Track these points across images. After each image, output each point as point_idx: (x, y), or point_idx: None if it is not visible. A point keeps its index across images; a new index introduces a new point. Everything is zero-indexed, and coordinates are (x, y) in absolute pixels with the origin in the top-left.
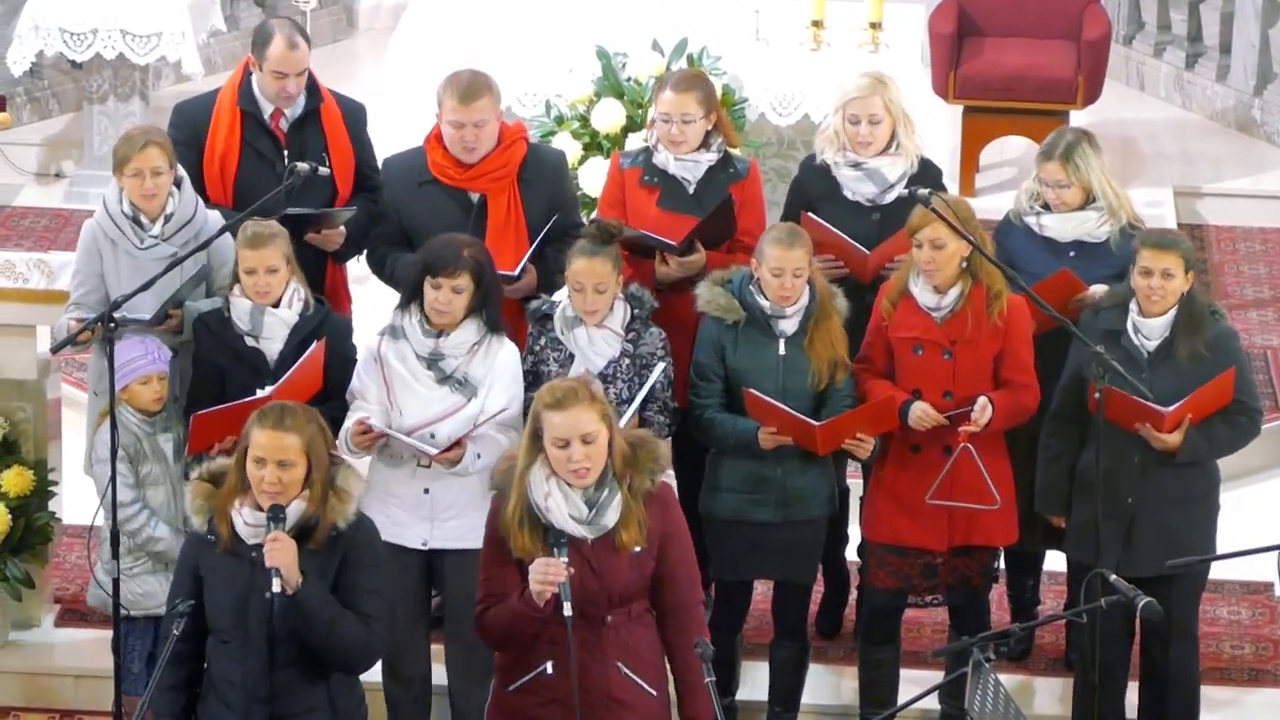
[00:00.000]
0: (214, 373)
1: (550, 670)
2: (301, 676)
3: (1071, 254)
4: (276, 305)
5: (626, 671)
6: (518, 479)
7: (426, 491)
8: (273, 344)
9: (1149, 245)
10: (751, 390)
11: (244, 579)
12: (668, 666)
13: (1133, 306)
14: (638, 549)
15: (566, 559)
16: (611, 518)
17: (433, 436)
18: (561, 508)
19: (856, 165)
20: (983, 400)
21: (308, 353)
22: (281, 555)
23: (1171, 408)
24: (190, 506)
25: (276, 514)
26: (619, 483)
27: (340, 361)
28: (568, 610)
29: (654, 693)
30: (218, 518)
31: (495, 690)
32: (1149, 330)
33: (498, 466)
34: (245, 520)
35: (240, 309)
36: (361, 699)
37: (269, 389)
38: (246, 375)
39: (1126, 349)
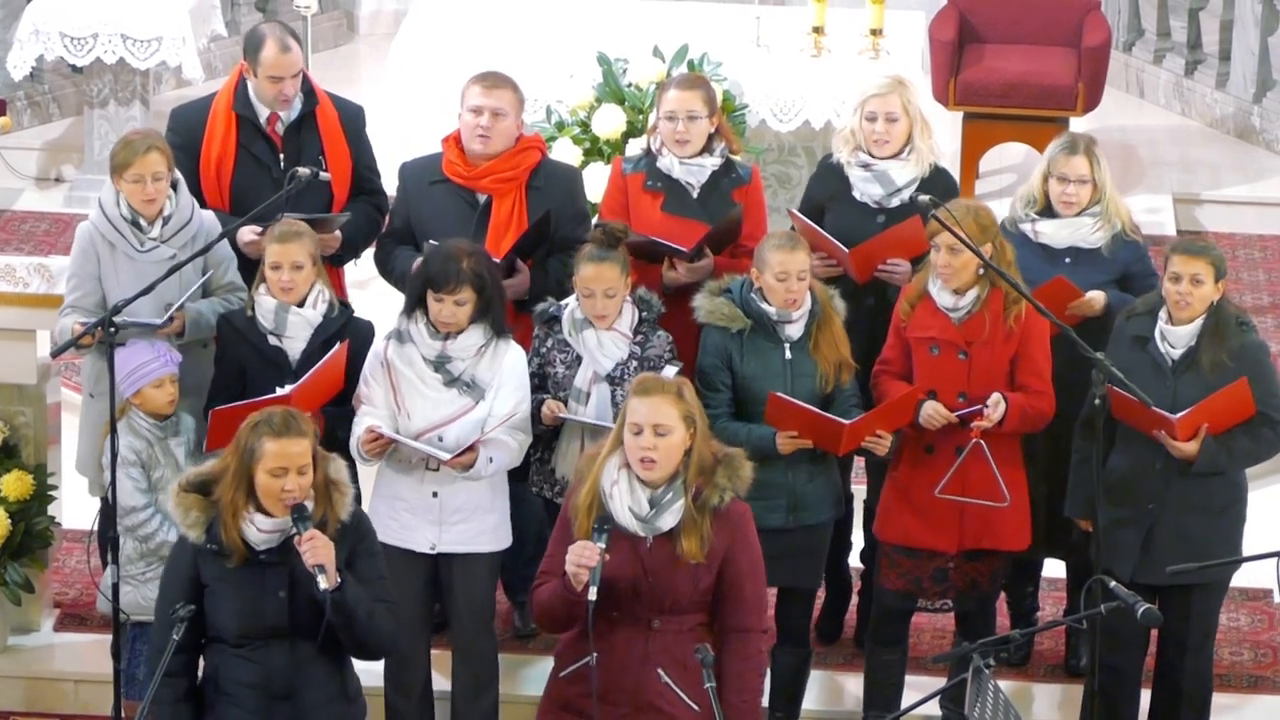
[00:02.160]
0: (236, 371)
1: (594, 663)
2: (321, 668)
3: (1067, 260)
4: (301, 305)
5: (667, 680)
6: (598, 463)
7: (435, 495)
8: (295, 343)
9: (1179, 251)
10: (777, 393)
11: (255, 583)
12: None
13: (1162, 314)
14: (694, 562)
15: (604, 545)
16: (668, 521)
17: (440, 439)
18: (623, 498)
19: (866, 166)
20: (996, 396)
21: (329, 354)
22: (324, 552)
23: (1178, 415)
24: (184, 519)
25: (302, 514)
26: (685, 490)
27: (362, 364)
28: (592, 595)
29: (696, 708)
30: (225, 530)
31: (550, 677)
32: (1175, 338)
33: (587, 451)
34: (260, 528)
35: (265, 307)
36: (359, 681)
37: (289, 388)
38: (269, 374)
39: (1152, 355)
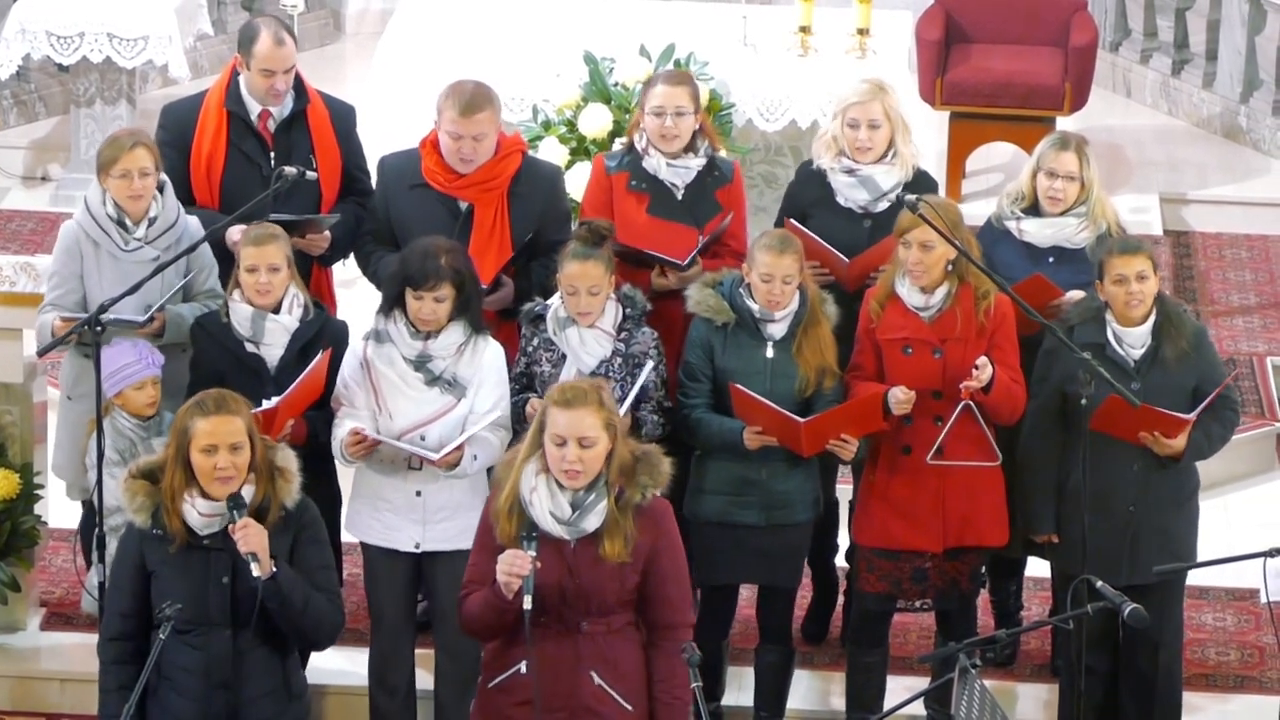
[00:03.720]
0: (213, 377)
1: (525, 670)
2: (262, 660)
3: (1050, 259)
4: (277, 310)
5: (600, 682)
6: (515, 469)
7: (419, 494)
8: (273, 350)
9: (1118, 253)
10: (737, 385)
11: (200, 569)
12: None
13: (1109, 318)
14: (620, 562)
15: (534, 553)
16: (592, 523)
17: (423, 439)
18: (544, 503)
19: (851, 172)
20: (983, 359)
21: (314, 362)
22: (255, 540)
23: (1193, 413)
24: (130, 503)
25: (237, 501)
26: (608, 491)
27: (339, 367)
28: (528, 604)
29: (630, 707)
30: (166, 514)
31: (479, 687)
32: (1132, 339)
33: (504, 458)
34: (200, 511)
35: (240, 314)
36: (306, 681)
37: (275, 400)
38: (247, 381)
39: (1113, 359)
